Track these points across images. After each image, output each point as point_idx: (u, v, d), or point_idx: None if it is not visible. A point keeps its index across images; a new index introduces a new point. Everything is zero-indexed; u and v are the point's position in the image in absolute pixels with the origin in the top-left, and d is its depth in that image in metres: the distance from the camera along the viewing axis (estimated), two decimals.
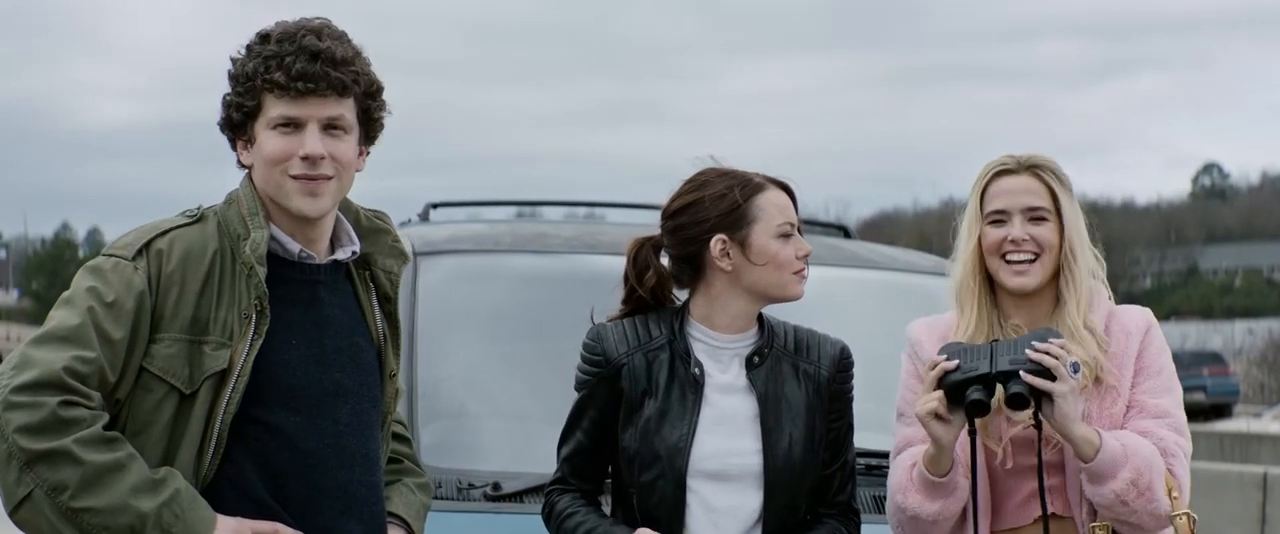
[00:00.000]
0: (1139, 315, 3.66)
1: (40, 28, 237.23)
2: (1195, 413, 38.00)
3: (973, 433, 3.46)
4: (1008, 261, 3.59)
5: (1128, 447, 3.46)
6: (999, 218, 3.62)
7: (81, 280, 3.12)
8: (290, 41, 3.15)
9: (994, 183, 3.64)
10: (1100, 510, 3.50)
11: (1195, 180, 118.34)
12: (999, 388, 3.44)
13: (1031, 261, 3.59)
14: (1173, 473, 3.51)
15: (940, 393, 3.44)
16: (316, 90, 3.14)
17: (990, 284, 3.65)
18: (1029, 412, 3.45)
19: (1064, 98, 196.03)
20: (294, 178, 3.16)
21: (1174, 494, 3.50)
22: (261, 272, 3.14)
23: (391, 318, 3.36)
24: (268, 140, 3.17)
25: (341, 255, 3.29)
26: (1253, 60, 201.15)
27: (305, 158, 3.15)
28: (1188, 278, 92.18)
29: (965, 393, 3.42)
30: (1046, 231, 3.60)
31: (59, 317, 3.08)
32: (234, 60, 3.20)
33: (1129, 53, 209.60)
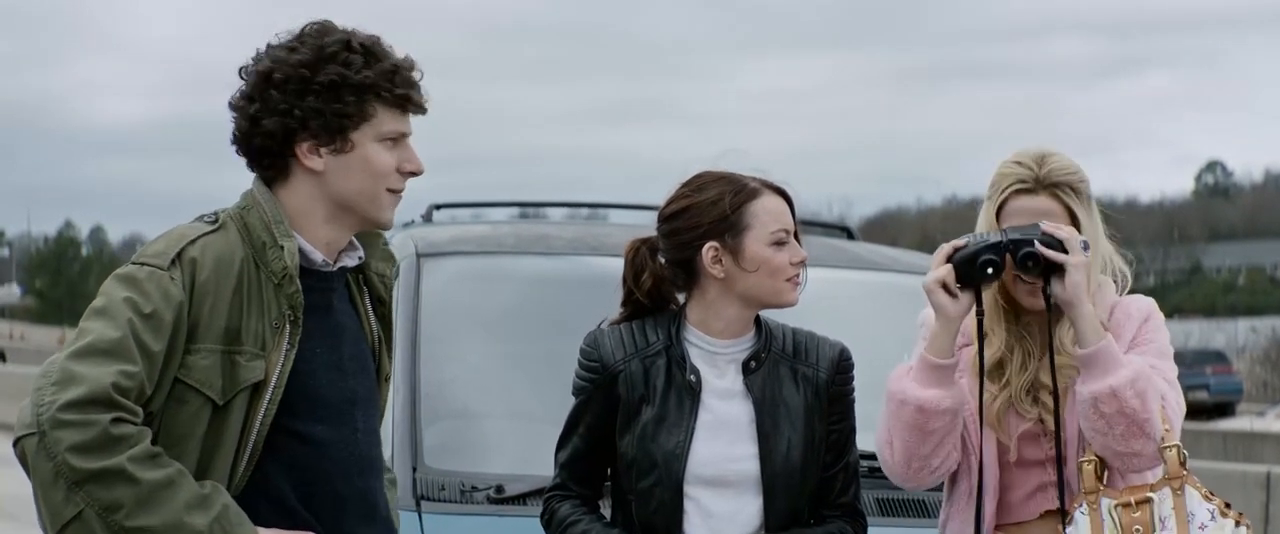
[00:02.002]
0: (1141, 303, 3.65)
1: (44, 25, 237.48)
2: (1198, 411, 38.00)
3: (980, 314, 3.50)
4: (1024, 281, 3.56)
5: (1131, 359, 3.45)
6: None
7: (116, 290, 3.05)
8: (393, 58, 3.18)
9: (1011, 201, 3.59)
10: (1089, 422, 3.44)
11: (1198, 178, 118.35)
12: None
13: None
14: (1165, 410, 3.47)
15: (949, 265, 3.48)
16: (422, 110, 3.23)
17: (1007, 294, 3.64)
18: (1034, 369, 3.51)
19: (1071, 95, 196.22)
20: (390, 191, 3.20)
21: (1167, 426, 3.46)
22: (297, 282, 3.12)
23: (385, 321, 3.36)
24: (377, 153, 3.16)
25: (349, 262, 3.28)
26: (1259, 58, 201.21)
27: (413, 173, 3.20)
28: (1191, 276, 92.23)
29: (976, 260, 3.46)
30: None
31: (97, 328, 3.00)
32: (320, 66, 3.13)
33: (1136, 51, 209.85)
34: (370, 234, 3.33)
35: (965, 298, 3.49)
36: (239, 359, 3.08)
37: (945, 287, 3.49)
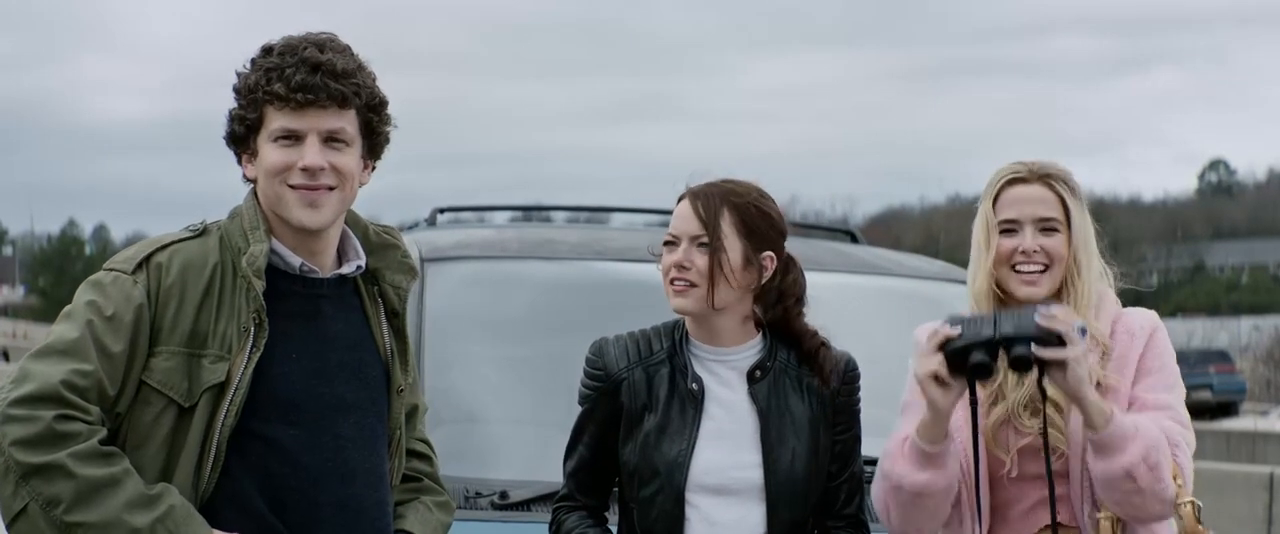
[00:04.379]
0: (1144, 318, 3.64)
1: (47, 23, 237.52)
2: (1201, 411, 37.96)
3: (974, 402, 3.43)
4: (1017, 271, 3.58)
5: (1139, 425, 3.43)
6: (1010, 227, 3.60)
7: (81, 294, 3.14)
8: (291, 54, 3.15)
9: (1006, 190, 3.62)
10: (1105, 493, 3.45)
11: (1202, 177, 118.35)
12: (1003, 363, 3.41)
13: (1041, 272, 3.57)
14: (1176, 461, 3.48)
15: (941, 355, 3.40)
16: (316, 102, 3.15)
17: (1001, 290, 3.62)
18: (1034, 380, 3.43)
19: (1077, 94, 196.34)
20: (293, 188, 3.16)
21: (1178, 481, 3.47)
22: (259, 284, 3.14)
23: (400, 333, 3.35)
24: (268, 153, 3.17)
25: (346, 270, 3.28)
26: (1263, 57, 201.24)
27: (305, 169, 3.15)
28: (1194, 274, 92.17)
29: (968, 357, 3.36)
30: (1057, 243, 3.58)
31: (59, 330, 3.10)
32: (239, 74, 3.21)
33: (1140, 49, 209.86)
34: (386, 245, 3.34)
35: (957, 385, 3.41)
36: (204, 361, 3.11)
37: (937, 377, 3.41)
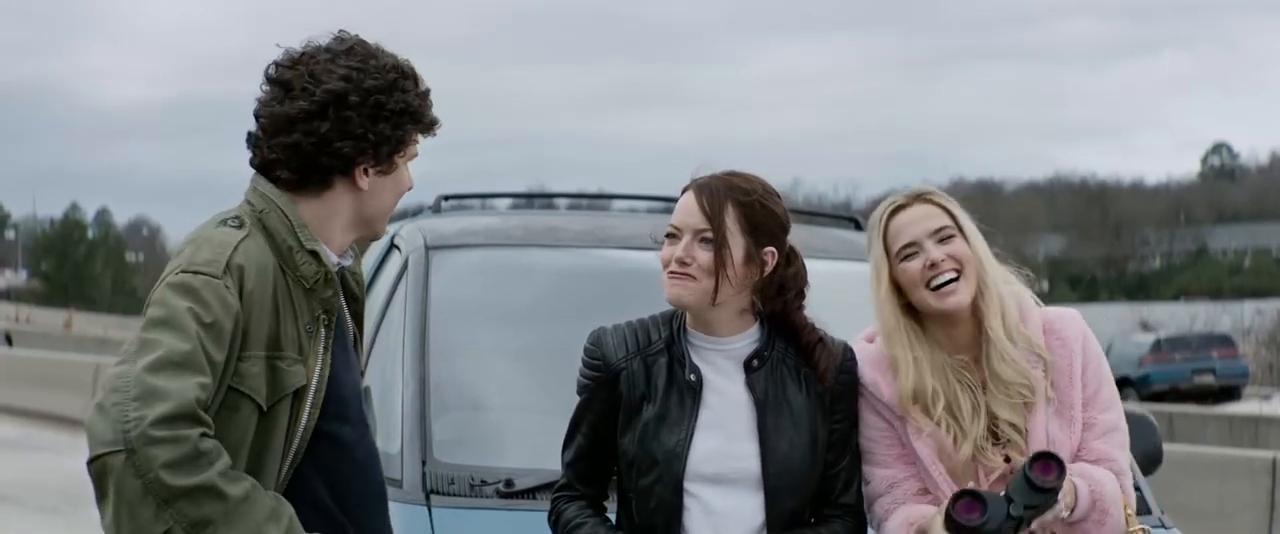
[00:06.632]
0: (1071, 325, 3.62)
1: (51, 10, 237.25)
2: (1204, 396, 37.88)
3: None
4: (933, 288, 3.54)
5: (1095, 491, 3.49)
6: (910, 251, 3.56)
7: (177, 300, 3.02)
8: (424, 83, 3.29)
9: (892, 220, 3.60)
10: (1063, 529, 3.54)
11: (1204, 160, 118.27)
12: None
13: (956, 279, 3.54)
14: (1123, 489, 3.56)
15: None
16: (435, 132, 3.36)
17: (918, 323, 3.58)
18: (986, 410, 3.52)
19: (1080, 78, 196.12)
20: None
21: (1128, 510, 3.56)
22: (335, 284, 3.19)
23: (358, 319, 3.42)
24: (406, 174, 3.30)
25: (347, 262, 3.33)
26: (1267, 41, 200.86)
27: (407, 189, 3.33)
28: (1197, 258, 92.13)
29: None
30: (959, 247, 3.55)
31: (167, 341, 2.97)
32: (391, 92, 3.21)
33: (1144, 34, 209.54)
34: None
35: None
36: (280, 365, 3.10)
37: None
